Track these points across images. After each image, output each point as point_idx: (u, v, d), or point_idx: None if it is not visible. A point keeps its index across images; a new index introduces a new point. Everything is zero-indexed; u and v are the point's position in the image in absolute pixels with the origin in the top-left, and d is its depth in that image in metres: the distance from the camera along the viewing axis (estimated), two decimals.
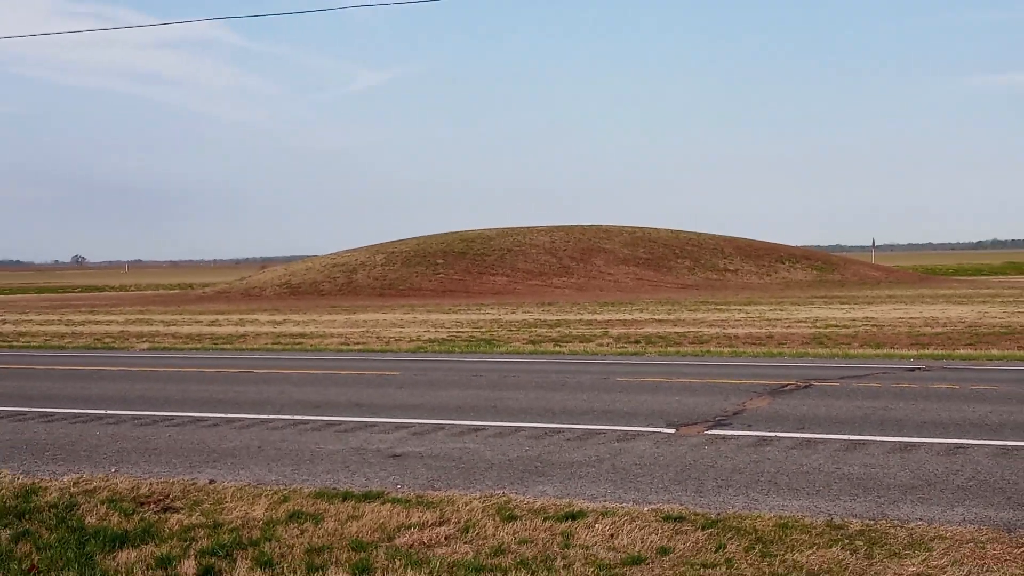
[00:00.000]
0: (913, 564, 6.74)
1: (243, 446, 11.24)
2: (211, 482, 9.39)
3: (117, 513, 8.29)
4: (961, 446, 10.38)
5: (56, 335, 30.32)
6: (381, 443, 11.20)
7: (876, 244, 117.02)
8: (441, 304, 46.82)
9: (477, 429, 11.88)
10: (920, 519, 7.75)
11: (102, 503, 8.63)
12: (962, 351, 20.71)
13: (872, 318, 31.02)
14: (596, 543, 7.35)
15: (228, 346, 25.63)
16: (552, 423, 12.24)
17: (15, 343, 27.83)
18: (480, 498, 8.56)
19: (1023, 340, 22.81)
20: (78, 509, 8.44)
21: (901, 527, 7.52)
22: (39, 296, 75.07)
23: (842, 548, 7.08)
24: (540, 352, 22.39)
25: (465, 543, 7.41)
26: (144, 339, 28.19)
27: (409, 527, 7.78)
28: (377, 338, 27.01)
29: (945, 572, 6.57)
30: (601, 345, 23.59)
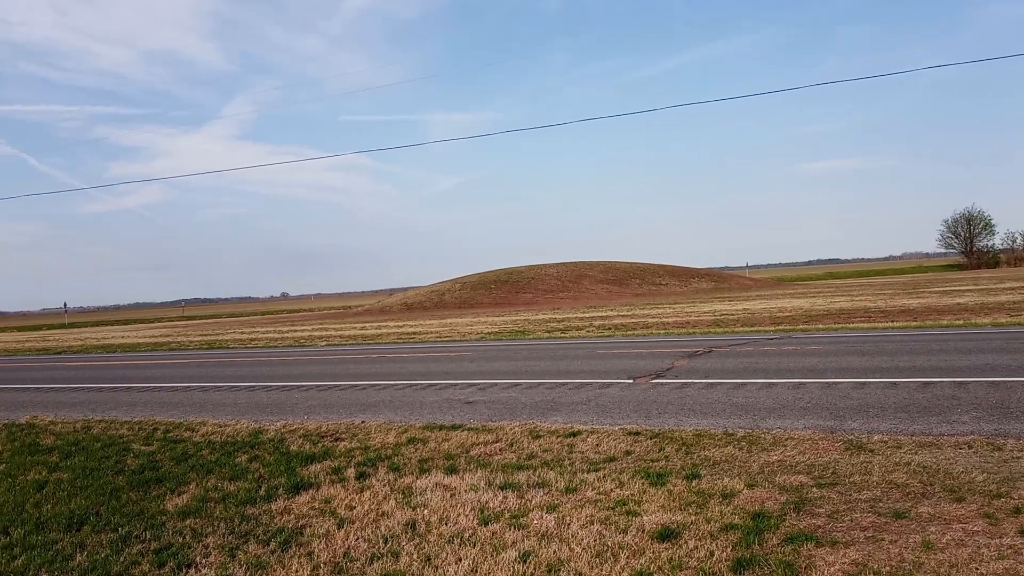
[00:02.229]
0: (776, 454, 6.70)
1: (381, 400, 11.27)
2: (362, 422, 9.43)
3: (308, 443, 8.34)
4: (802, 383, 10.29)
5: (272, 339, 30.53)
6: (460, 395, 11.21)
7: (749, 265, 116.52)
8: (494, 311, 46.79)
9: (516, 385, 11.87)
10: (779, 428, 7.70)
11: (299, 437, 8.68)
12: (801, 326, 20.52)
13: (748, 308, 30.77)
14: (588, 449, 7.33)
15: (371, 342, 25.72)
16: (560, 379, 12.21)
17: (248, 345, 28.04)
18: (519, 425, 8.56)
19: (838, 318, 22.58)
20: (285, 441, 8.50)
21: (767, 433, 7.47)
22: (262, 316, 75.53)
23: (733, 446, 7.04)
24: (552, 337, 22.35)
25: (511, 452, 7.41)
26: (323, 340, 28.33)
27: (478, 444, 7.79)
28: (457, 332, 27.03)
29: (794, 458, 6.53)
30: (589, 332, 23.52)
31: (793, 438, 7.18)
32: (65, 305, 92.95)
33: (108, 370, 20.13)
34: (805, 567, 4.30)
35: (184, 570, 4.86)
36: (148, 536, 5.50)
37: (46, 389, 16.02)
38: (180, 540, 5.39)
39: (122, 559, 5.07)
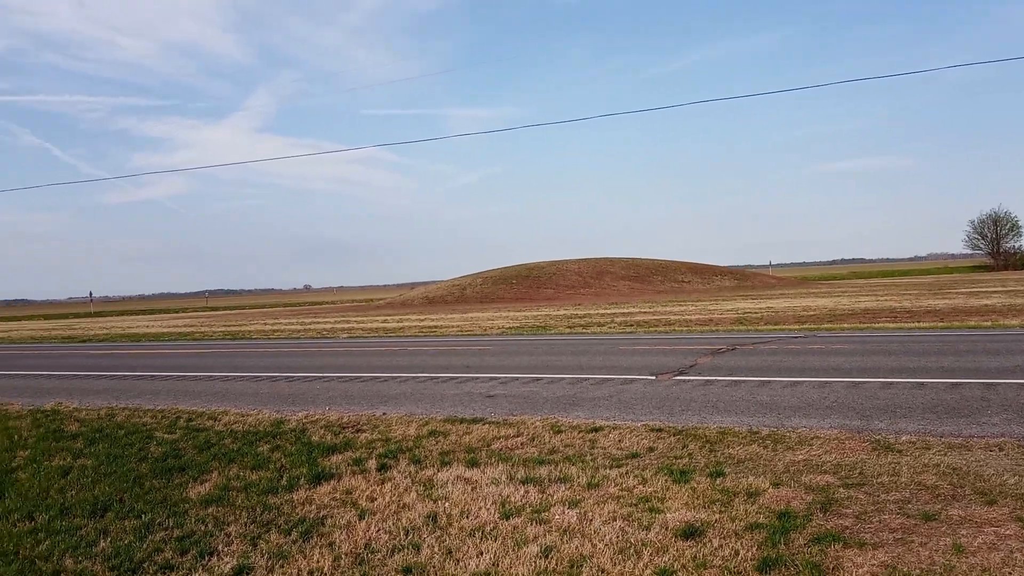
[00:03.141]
0: (801, 453, 6.61)
1: (402, 393, 11.27)
2: (384, 414, 9.43)
3: (330, 433, 8.35)
4: (827, 382, 10.16)
5: (294, 331, 30.67)
6: (481, 389, 11.18)
7: (772, 263, 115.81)
8: (515, 306, 46.75)
9: (537, 379, 11.82)
10: (804, 427, 7.60)
11: (321, 427, 8.70)
12: (826, 325, 20.31)
13: (771, 307, 30.51)
14: (610, 445, 7.28)
15: (392, 335, 25.78)
16: (582, 375, 12.15)
17: (271, 336, 28.19)
18: (540, 420, 8.52)
19: (863, 318, 22.33)
20: (307, 432, 8.51)
21: (793, 432, 7.38)
22: (284, 308, 75.94)
23: (758, 444, 6.96)
24: (573, 333, 22.28)
25: (532, 447, 7.37)
26: (345, 332, 28.43)
27: (499, 438, 7.76)
28: (478, 327, 27.02)
29: (820, 457, 6.44)
30: (610, 328, 23.42)
31: (819, 437, 7.08)
32: (91, 294, 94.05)
33: (132, 359, 20.32)
34: (832, 568, 4.23)
35: (206, 558, 4.87)
36: (171, 524, 5.52)
37: (71, 376, 16.19)
38: (202, 528, 5.40)
39: (145, 546, 5.08)
